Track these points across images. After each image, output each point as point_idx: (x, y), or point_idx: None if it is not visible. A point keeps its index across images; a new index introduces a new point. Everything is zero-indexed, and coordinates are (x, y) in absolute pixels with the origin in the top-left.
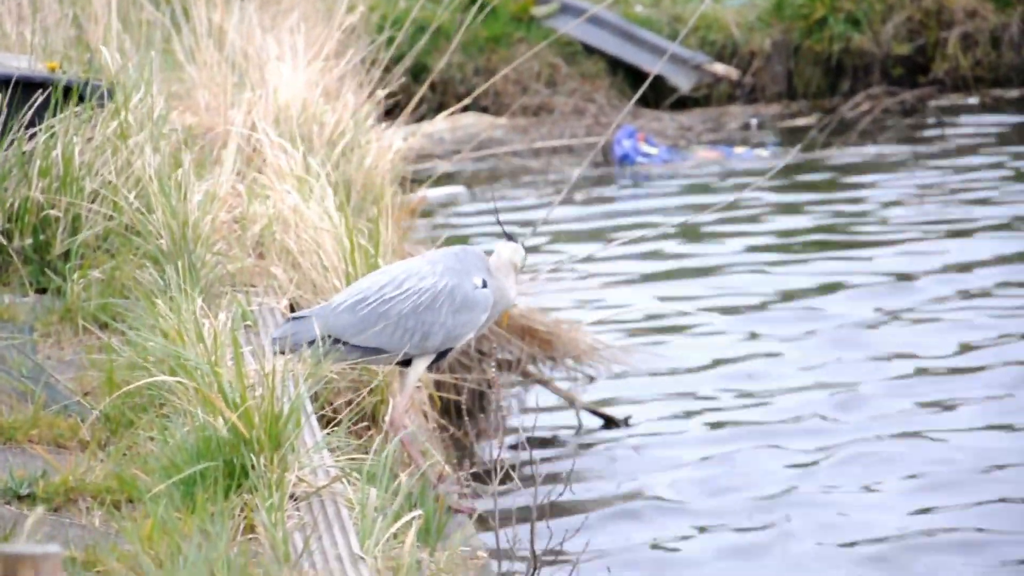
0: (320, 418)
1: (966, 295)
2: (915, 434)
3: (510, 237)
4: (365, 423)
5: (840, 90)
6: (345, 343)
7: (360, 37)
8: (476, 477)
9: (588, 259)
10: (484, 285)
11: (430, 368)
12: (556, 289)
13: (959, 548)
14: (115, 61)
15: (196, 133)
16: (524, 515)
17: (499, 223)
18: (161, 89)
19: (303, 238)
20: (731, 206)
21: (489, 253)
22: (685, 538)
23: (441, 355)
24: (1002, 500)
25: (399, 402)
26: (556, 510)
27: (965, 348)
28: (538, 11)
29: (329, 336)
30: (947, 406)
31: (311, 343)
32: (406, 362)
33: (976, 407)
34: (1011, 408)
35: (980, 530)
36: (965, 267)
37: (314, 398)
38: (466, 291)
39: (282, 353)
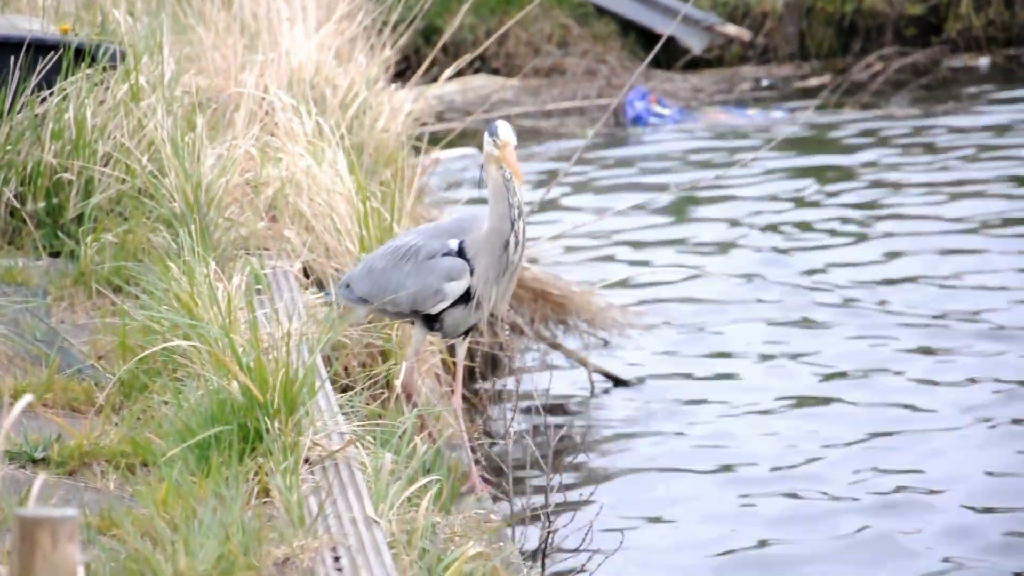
0: (335, 384)
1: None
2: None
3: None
4: (380, 389)
5: (852, 51)
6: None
7: None
8: (489, 438)
9: (600, 222)
10: (461, 252)
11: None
12: (568, 252)
13: None
14: (126, 23)
15: (208, 96)
16: (537, 476)
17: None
18: (172, 51)
19: (316, 201)
20: (744, 167)
21: None
22: (696, 500)
23: (429, 322)
24: None
25: (407, 364)
26: (569, 473)
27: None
28: None
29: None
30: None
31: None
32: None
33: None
34: None
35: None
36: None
37: (328, 363)
38: (430, 251)
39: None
